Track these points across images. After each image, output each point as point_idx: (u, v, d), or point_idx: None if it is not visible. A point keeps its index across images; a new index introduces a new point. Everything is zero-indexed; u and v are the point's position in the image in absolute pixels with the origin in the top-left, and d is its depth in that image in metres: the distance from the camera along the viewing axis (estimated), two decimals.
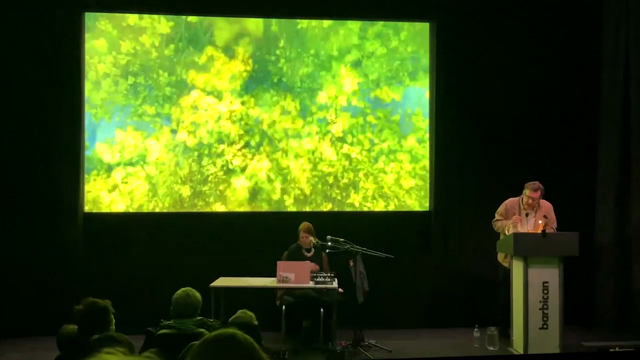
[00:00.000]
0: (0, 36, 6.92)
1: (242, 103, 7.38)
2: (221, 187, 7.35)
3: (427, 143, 7.57)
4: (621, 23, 7.05)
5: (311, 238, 6.53)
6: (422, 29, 7.59)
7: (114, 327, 3.45)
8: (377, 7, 7.43)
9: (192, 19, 7.32)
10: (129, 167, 7.23)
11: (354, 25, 7.51)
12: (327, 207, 7.45)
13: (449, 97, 7.46)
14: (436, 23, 7.51)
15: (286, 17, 7.41)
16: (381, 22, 7.52)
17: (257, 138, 7.40)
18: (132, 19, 7.24)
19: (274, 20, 7.41)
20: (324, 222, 6.87)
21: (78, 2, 7.11)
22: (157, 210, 7.25)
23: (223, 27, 7.36)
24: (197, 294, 3.93)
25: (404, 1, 7.52)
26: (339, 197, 7.48)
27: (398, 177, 7.54)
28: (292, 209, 7.38)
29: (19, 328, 6.63)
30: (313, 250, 6.63)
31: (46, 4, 7.00)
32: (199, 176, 7.31)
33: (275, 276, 6.12)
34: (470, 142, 7.44)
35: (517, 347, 5.88)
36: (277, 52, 7.42)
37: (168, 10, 7.27)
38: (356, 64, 7.51)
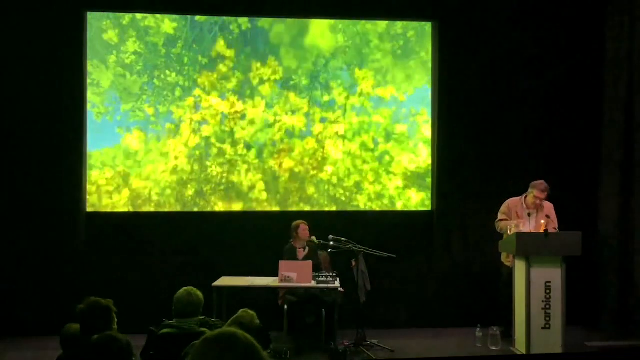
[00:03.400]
0: (1, 35, 6.93)
1: (246, 102, 7.37)
2: (224, 187, 7.34)
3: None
4: (624, 21, 7.03)
5: (313, 237, 6.51)
6: (428, 28, 7.58)
7: (116, 326, 3.45)
8: (380, 7, 7.42)
9: (196, 18, 7.32)
10: (131, 166, 7.23)
11: (359, 24, 7.50)
12: (331, 207, 7.44)
13: (452, 96, 7.45)
14: (439, 22, 7.50)
15: (289, 16, 7.41)
16: (387, 22, 7.51)
17: (261, 137, 7.39)
18: (135, 18, 7.24)
19: (278, 19, 7.41)
20: (326, 222, 6.87)
21: (80, 2, 7.11)
22: (159, 210, 7.25)
23: (227, 26, 7.36)
24: (199, 293, 3.92)
25: (407, 1, 7.51)
26: (343, 198, 7.47)
27: (402, 177, 7.53)
28: (296, 208, 7.37)
29: (21, 328, 6.64)
30: (307, 249, 6.62)
31: (48, 3, 7.01)
32: (201, 176, 7.31)
33: (277, 275, 6.12)
34: (473, 142, 7.43)
35: (520, 347, 5.86)
36: (281, 51, 7.41)
37: (171, 10, 7.27)
38: (361, 63, 7.50)
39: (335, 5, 7.41)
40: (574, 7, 7.47)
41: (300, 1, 7.44)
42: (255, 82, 7.38)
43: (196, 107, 7.31)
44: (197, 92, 7.31)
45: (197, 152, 7.31)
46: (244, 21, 7.37)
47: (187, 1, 7.31)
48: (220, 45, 7.33)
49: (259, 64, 7.39)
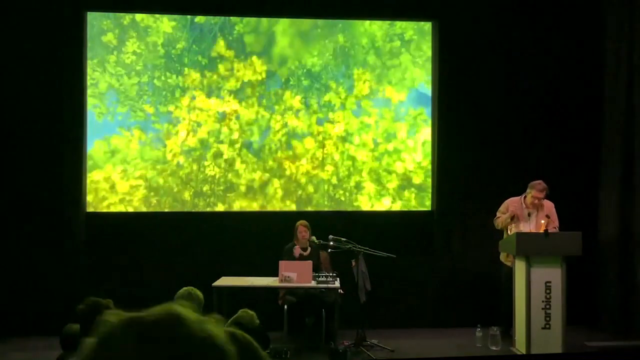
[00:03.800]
0: (2, 35, 6.93)
1: (244, 102, 7.37)
2: (223, 187, 7.34)
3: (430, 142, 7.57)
4: (624, 21, 7.03)
5: (313, 237, 6.52)
6: (428, 28, 7.58)
7: None
8: (380, 7, 7.42)
9: (195, 18, 7.32)
10: (131, 166, 7.23)
11: (358, 24, 7.50)
12: (331, 207, 7.43)
13: (452, 96, 7.45)
14: (439, 22, 7.50)
15: (288, 16, 7.41)
16: (387, 22, 7.52)
17: (259, 138, 7.39)
18: (135, 18, 7.24)
19: (277, 19, 7.41)
20: (326, 222, 6.87)
21: (80, 2, 7.12)
22: (158, 210, 7.25)
23: (226, 26, 7.36)
24: (199, 293, 3.93)
25: (407, 0, 7.51)
26: (343, 198, 7.47)
27: (402, 177, 7.53)
28: (295, 208, 7.36)
29: (21, 328, 6.64)
30: (309, 249, 6.62)
31: (48, 3, 7.01)
32: (201, 176, 7.31)
33: (277, 275, 6.12)
34: (473, 142, 7.43)
35: (520, 347, 5.86)
36: (280, 51, 7.41)
37: (171, 10, 7.27)
38: (361, 63, 7.49)
39: (335, 4, 7.41)
40: (574, 7, 7.47)
41: (300, 1, 7.44)
42: (255, 82, 7.38)
43: (195, 107, 7.31)
44: (196, 92, 7.31)
45: (197, 152, 7.31)
46: (241, 20, 7.36)
47: (187, 1, 7.32)
48: (218, 45, 7.33)
49: (259, 64, 7.39)
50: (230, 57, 7.35)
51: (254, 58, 7.37)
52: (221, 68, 7.33)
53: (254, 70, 7.37)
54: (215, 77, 7.33)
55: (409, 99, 7.56)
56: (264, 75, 7.39)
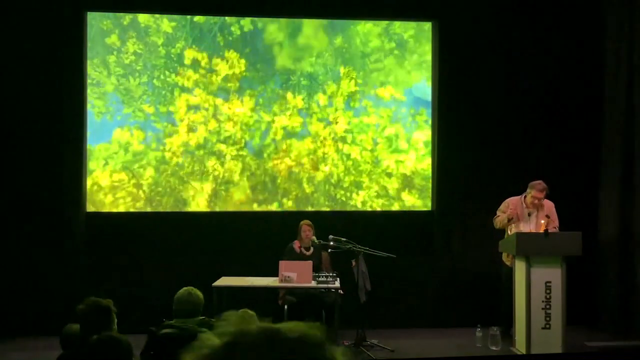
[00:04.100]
0: (2, 35, 6.93)
1: (243, 102, 7.37)
2: (223, 187, 7.34)
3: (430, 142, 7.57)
4: (624, 21, 7.03)
5: (313, 237, 6.52)
6: (427, 28, 7.58)
7: (116, 326, 3.45)
8: (379, 7, 7.42)
9: (195, 18, 7.32)
10: (130, 166, 7.23)
11: (357, 23, 7.50)
12: (330, 207, 7.43)
13: (452, 96, 7.45)
14: (439, 22, 7.50)
15: (288, 16, 7.41)
16: (387, 22, 7.51)
17: (258, 138, 7.39)
18: (136, 18, 7.23)
19: (275, 19, 7.41)
20: (326, 222, 6.86)
21: (80, 2, 7.11)
22: (158, 209, 7.25)
23: (225, 26, 7.36)
24: (199, 293, 3.92)
25: (407, 0, 7.51)
26: (343, 198, 7.47)
27: (402, 177, 7.53)
28: (295, 208, 7.36)
29: (21, 328, 6.64)
30: (312, 249, 6.62)
31: (48, 3, 7.01)
32: (202, 176, 7.31)
33: (277, 275, 6.12)
34: (473, 142, 7.43)
35: (520, 347, 5.87)
36: (279, 51, 7.41)
37: (171, 10, 7.27)
38: (360, 63, 7.49)
39: (335, 4, 7.41)
40: (574, 7, 7.47)
41: (299, 1, 7.44)
42: (254, 82, 7.38)
43: (196, 107, 7.31)
44: (196, 92, 7.31)
45: (197, 152, 7.31)
46: (245, 22, 7.36)
47: (187, 1, 7.31)
48: (218, 44, 7.33)
49: (258, 64, 7.39)
50: (230, 57, 7.34)
51: (252, 57, 7.37)
52: (221, 68, 7.32)
53: (253, 69, 7.35)
54: (215, 77, 7.33)
55: (409, 99, 7.56)
56: (262, 74, 7.37)
